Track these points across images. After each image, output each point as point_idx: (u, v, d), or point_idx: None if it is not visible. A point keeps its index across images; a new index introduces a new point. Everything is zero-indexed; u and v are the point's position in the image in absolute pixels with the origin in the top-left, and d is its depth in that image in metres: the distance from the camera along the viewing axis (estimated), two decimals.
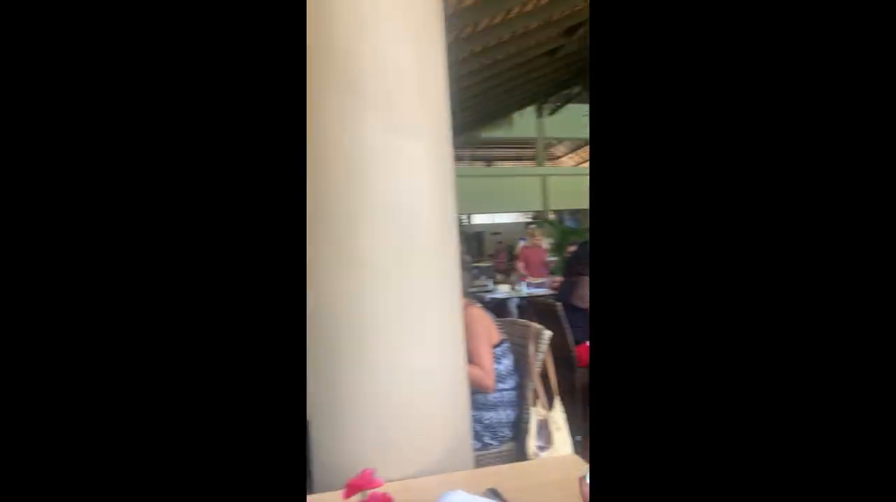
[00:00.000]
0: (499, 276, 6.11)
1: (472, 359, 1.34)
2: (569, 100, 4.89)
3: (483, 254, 11.06)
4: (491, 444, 1.59)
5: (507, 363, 1.62)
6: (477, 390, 1.46)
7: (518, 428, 1.63)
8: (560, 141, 13.64)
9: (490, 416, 1.59)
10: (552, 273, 5.34)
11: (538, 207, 11.82)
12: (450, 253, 1.06)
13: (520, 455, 1.58)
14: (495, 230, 12.86)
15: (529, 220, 10.23)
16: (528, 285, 4.64)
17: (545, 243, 5.34)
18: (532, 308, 4.69)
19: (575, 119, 5.52)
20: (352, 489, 0.57)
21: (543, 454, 1.49)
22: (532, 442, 1.51)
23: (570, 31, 3.36)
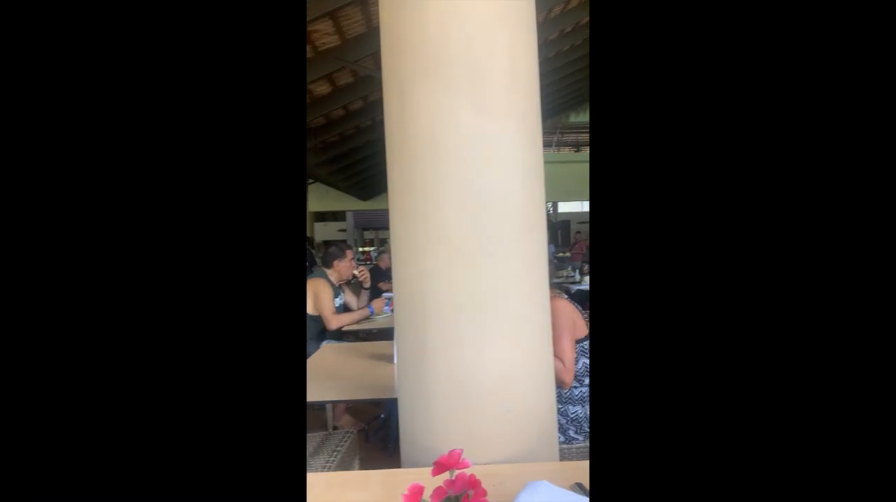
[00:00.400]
0: (586, 267, 5.88)
1: (553, 352, 1.31)
2: None
3: (568, 245, 10.70)
4: (576, 439, 1.55)
5: None
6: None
7: None
8: None
9: (576, 410, 1.55)
10: None
11: None
12: (538, 240, 1.03)
13: None
14: (583, 219, 12.34)
15: None
16: None
17: None
18: None
19: None
20: (440, 467, 0.59)
21: None
22: None
23: None
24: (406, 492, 0.58)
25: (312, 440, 1.64)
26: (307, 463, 1.51)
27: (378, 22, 1.06)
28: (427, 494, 0.59)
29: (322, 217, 14.59)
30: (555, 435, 1.08)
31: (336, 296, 2.80)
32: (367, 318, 2.83)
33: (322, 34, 5.44)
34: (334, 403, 2.39)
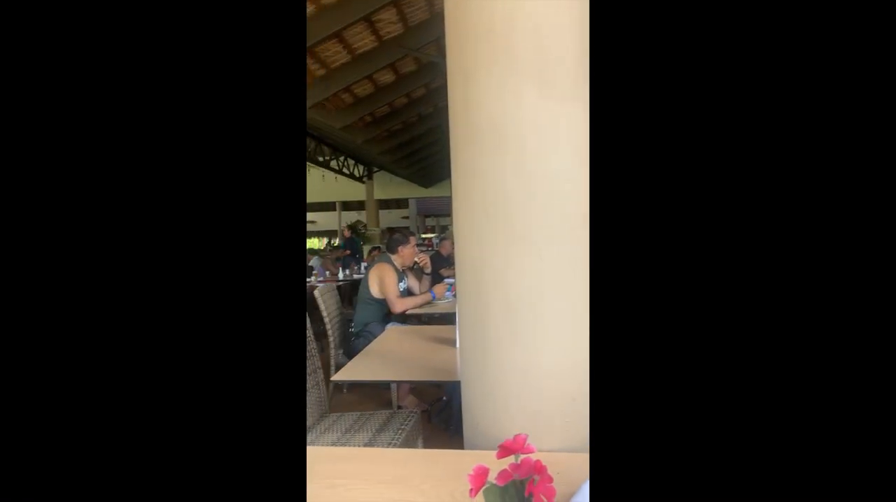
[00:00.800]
0: None
1: None
2: None
3: None
4: None
5: None
6: None
7: None
8: None
9: None
10: None
11: None
12: None
13: None
14: None
15: None
16: None
17: None
18: None
19: None
20: (505, 451, 0.60)
21: None
22: None
23: None
24: (472, 473, 0.60)
25: (378, 417, 1.72)
26: (374, 438, 1.58)
27: (441, 7, 1.06)
28: (491, 477, 0.60)
29: (386, 204, 15.01)
30: None
31: (400, 280, 2.89)
32: (429, 303, 2.89)
33: (386, 23, 5.52)
34: (399, 383, 2.48)
